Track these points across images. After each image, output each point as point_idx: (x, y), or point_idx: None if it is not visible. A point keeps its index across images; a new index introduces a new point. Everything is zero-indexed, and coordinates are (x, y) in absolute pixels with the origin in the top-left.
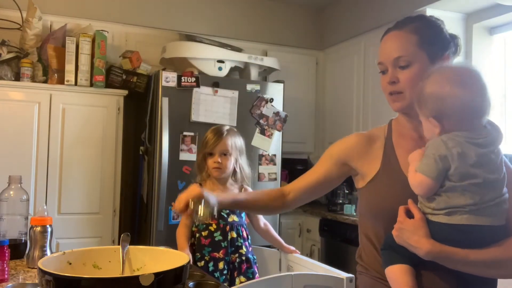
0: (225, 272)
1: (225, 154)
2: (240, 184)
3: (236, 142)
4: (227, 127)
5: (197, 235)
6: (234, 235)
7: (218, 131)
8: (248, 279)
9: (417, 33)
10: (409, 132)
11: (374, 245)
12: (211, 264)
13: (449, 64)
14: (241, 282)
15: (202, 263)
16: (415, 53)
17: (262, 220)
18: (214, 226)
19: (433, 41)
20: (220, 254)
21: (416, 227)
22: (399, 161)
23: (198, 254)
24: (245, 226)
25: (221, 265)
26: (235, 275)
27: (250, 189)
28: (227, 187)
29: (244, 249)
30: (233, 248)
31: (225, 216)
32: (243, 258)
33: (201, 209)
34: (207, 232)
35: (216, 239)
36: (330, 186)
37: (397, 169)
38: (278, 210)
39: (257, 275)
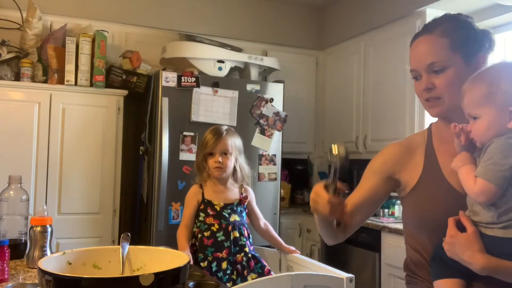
0: (228, 272)
1: (225, 153)
2: (240, 183)
3: (235, 141)
4: (225, 127)
5: (199, 235)
6: (237, 234)
7: (217, 131)
8: (259, 274)
9: (448, 36)
10: (451, 137)
11: (422, 254)
12: (214, 264)
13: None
14: (252, 279)
15: (205, 263)
16: (448, 57)
17: (262, 220)
18: (216, 226)
19: (466, 42)
20: (223, 254)
21: (470, 241)
22: (441, 167)
23: (201, 254)
24: (246, 226)
25: (224, 265)
26: (245, 273)
27: (250, 189)
28: (227, 187)
29: (247, 248)
30: (238, 248)
31: (227, 216)
32: (249, 255)
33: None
34: (209, 232)
35: (219, 239)
36: (377, 204)
37: (440, 176)
38: (341, 238)
39: (267, 267)
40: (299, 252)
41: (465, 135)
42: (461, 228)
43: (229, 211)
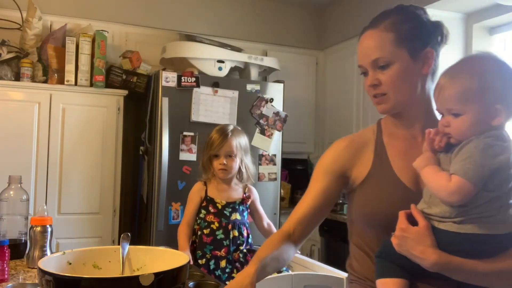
0: (227, 270)
1: (230, 155)
2: (245, 183)
3: (241, 142)
4: (231, 127)
5: (199, 233)
6: (236, 233)
7: (223, 131)
8: None
9: (393, 30)
10: (400, 132)
11: (367, 253)
12: (212, 262)
13: (497, 55)
14: None
15: (203, 261)
16: (393, 52)
17: (266, 220)
18: (216, 224)
19: (412, 36)
20: (222, 253)
21: (421, 235)
22: (391, 163)
23: (199, 252)
24: (246, 225)
25: (223, 263)
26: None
27: (253, 189)
28: (231, 187)
29: (243, 246)
30: (235, 247)
31: (228, 214)
32: (244, 251)
33: None
34: (209, 230)
35: (218, 237)
36: (331, 206)
37: (389, 171)
38: (294, 252)
39: None
40: (299, 252)
41: (442, 137)
42: (412, 222)
43: (230, 209)
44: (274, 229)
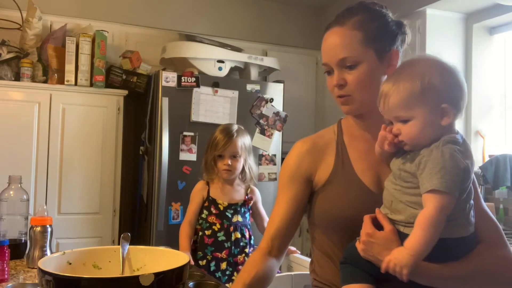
0: (227, 272)
1: (234, 156)
2: (247, 184)
3: (245, 142)
4: (235, 127)
5: (200, 233)
6: (238, 235)
7: (227, 132)
8: None
9: (362, 29)
10: (361, 133)
11: (331, 257)
12: (212, 264)
13: (436, 56)
14: None
15: (204, 262)
16: (361, 52)
17: (267, 220)
18: (218, 226)
19: (380, 36)
20: (223, 255)
21: (387, 240)
22: (353, 165)
23: (200, 252)
24: (248, 227)
25: (223, 265)
26: None
27: (256, 190)
28: (234, 188)
29: (247, 249)
30: (239, 249)
31: (230, 216)
32: (250, 254)
33: None
34: (210, 231)
35: (219, 239)
36: (302, 210)
37: (351, 173)
38: (277, 267)
39: None
40: (299, 252)
41: (392, 139)
42: (377, 226)
43: (232, 211)
44: None
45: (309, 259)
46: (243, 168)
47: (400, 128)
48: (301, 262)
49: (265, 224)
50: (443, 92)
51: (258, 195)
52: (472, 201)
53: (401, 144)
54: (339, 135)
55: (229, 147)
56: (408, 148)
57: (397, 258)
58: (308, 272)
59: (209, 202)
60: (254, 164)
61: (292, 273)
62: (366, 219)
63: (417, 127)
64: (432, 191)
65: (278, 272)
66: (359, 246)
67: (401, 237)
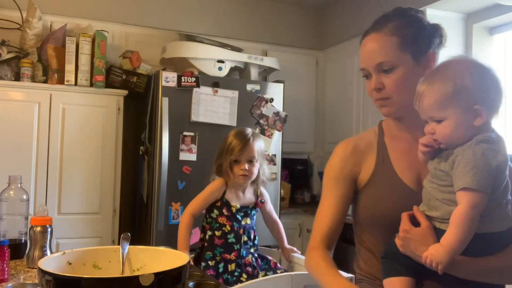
0: (236, 274)
1: (251, 160)
2: (256, 186)
3: (260, 146)
4: (249, 131)
5: (210, 232)
6: (246, 238)
7: (243, 136)
8: (266, 269)
9: (397, 34)
10: (402, 134)
11: (373, 253)
12: (221, 265)
13: (471, 57)
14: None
15: (213, 262)
16: (397, 56)
17: (274, 217)
18: (228, 228)
19: (415, 40)
20: (232, 256)
21: (424, 236)
22: (393, 164)
23: (209, 253)
24: (254, 228)
25: (232, 266)
26: (256, 273)
27: (264, 191)
28: (246, 191)
29: (253, 249)
30: (246, 251)
31: (240, 218)
32: (256, 255)
33: None
34: (220, 232)
35: (229, 241)
36: (348, 208)
37: (392, 173)
38: None
39: (272, 261)
40: (299, 252)
41: (430, 139)
42: (414, 223)
43: (242, 214)
44: (281, 226)
45: None
46: (258, 172)
47: (434, 128)
48: (301, 262)
49: (278, 225)
50: (475, 93)
51: (266, 196)
52: (510, 197)
53: (436, 143)
54: (380, 136)
55: (246, 152)
56: (443, 147)
57: (433, 254)
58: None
59: (222, 203)
60: (267, 167)
61: (292, 273)
62: (404, 216)
63: (450, 127)
64: (464, 189)
65: (297, 252)
66: (397, 242)
67: (437, 233)
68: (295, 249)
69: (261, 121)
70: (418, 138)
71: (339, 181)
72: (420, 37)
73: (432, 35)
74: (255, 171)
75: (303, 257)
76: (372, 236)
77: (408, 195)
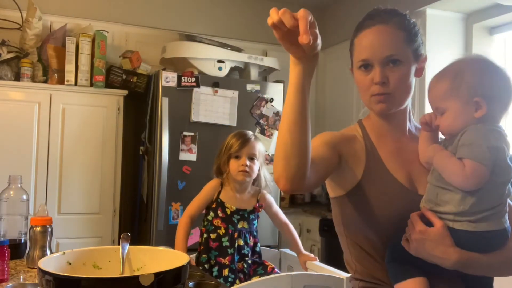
0: (230, 279)
1: (252, 158)
2: (258, 190)
3: (261, 148)
4: (250, 132)
5: (205, 235)
6: (241, 242)
7: (243, 134)
8: (261, 275)
9: (404, 29)
10: (389, 133)
11: (371, 254)
12: (215, 269)
13: (480, 55)
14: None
15: (208, 265)
16: (404, 51)
17: (283, 220)
18: (223, 230)
19: (416, 38)
20: (226, 261)
21: (440, 236)
22: (385, 163)
23: (205, 256)
24: (254, 233)
25: (226, 271)
26: (247, 279)
27: (267, 194)
28: (245, 194)
29: (248, 256)
30: (239, 256)
31: (235, 221)
32: (249, 262)
33: None
34: (215, 235)
35: (224, 244)
36: (328, 174)
37: (385, 171)
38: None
39: (269, 266)
40: (317, 259)
41: (434, 122)
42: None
43: (239, 217)
44: (292, 230)
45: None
46: (258, 174)
47: (439, 119)
48: (318, 270)
49: (288, 227)
50: (476, 86)
51: (269, 199)
52: (507, 195)
53: (439, 130)
54: (364, 134)
55: (246, 147)
56: (447, 137)
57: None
58: (308, 272)
59: (217, 204)
60: (268, 173)
61: (292, 273)
62: (415, 216)
63: (450, 117)
64: (465, 159)
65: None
66: (407, 244)
67: (450, 232)
68: (311, 255)
69: (261, 121)
70: (402, 136)
71: (327, 145)
72: (418, 36)
73: (421, 40)
74: (256, 169)
75: (321, 265)
76: (367, 238)
77: (404, 193)
